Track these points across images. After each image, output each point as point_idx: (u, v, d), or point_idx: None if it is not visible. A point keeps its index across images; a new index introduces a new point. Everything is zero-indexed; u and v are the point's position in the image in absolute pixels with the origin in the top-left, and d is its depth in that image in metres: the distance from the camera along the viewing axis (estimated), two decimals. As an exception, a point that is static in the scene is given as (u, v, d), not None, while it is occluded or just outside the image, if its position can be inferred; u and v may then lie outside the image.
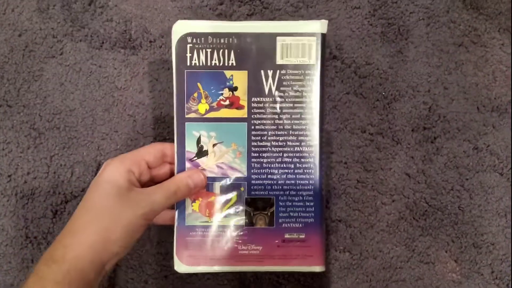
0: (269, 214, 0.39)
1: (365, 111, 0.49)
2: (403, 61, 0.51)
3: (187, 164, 0.38)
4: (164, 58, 0.50)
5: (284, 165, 0.39)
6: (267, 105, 0.39)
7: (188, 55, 0.39)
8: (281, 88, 0.39)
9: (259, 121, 0.39)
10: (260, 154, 0.39)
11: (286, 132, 0.39)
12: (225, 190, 0.39)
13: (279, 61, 0.39)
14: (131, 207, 0.30)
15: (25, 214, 0.44)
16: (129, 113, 0.48)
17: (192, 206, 0.38)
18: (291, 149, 0.39)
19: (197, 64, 0.39)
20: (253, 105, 0.39)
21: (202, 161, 0.39)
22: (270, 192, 0.39)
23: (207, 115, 0.39)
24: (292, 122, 0.39)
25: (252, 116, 0.39)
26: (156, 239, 0.46)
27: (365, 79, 0.50)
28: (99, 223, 0.29)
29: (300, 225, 0.39)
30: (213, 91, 0.39)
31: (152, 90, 0.49)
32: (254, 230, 0.39)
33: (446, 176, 0.47)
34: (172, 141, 0.39)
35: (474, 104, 0.50)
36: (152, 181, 0.36)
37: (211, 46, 0.39)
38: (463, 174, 0.48)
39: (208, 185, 0.39)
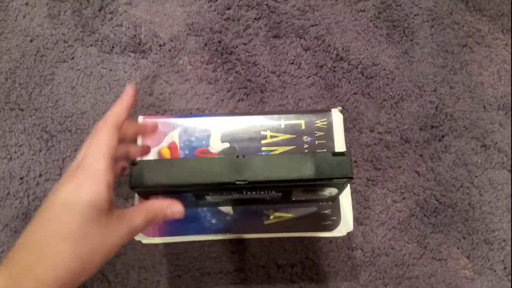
0: None
1: (373, 111, 0.50)
2: (409, 61, 0.52)
3: None
4: (174, 61, 0.51)
5: None
6: None
7: None
8: None
9: None
10: None
11: None
12: None
13: None
14: (113, 234, 0.29)
15: (37, 216, 0.44)
16: (139, 115, 0.48)
17: None
18: None
19: None
20: None
21: None
22: None
23: None
24: None
25: None
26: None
27: (372, 80, 0.51)
28: (80, 252, 0.27)
29: None
30: None
31: (162, 92, 0.50)
32: None
33: (455, 173, 0.48)
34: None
35: (480, 102, 0.51)
36: None
37: None
38: (472, 171, 0.48)
39: None
